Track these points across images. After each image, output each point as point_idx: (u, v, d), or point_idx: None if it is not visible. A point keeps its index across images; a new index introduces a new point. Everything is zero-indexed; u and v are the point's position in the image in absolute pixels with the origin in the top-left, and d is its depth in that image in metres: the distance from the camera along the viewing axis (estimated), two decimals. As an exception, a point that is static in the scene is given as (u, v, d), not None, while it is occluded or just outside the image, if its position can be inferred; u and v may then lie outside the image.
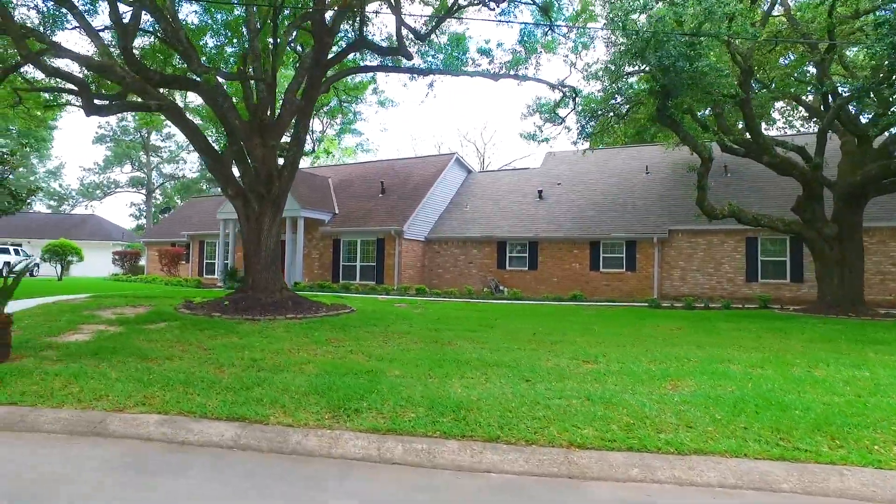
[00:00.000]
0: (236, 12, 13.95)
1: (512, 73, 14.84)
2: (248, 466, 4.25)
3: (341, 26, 12.02)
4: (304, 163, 28.00)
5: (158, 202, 51.47)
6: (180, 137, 76.52)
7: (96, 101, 11.45)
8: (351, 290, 19.47)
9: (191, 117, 14.02)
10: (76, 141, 76.18)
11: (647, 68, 11.55)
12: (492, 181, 24.79)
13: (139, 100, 12.96)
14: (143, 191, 50.03)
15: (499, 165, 38.50)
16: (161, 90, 12.45)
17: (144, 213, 49.91)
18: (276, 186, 12.29)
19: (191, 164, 50.47)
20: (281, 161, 13.11)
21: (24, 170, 39.91)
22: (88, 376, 6.19)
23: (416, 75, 14.47)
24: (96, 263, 28.01)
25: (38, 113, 19.98)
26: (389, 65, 13.76)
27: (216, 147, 15.18)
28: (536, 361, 7.49)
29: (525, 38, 15.08)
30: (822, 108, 14.71)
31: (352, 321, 11.15)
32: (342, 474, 4.16)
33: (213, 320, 10.56)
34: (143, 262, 29.52)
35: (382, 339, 9.17)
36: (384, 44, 14.03)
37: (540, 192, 22.45)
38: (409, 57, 11.57)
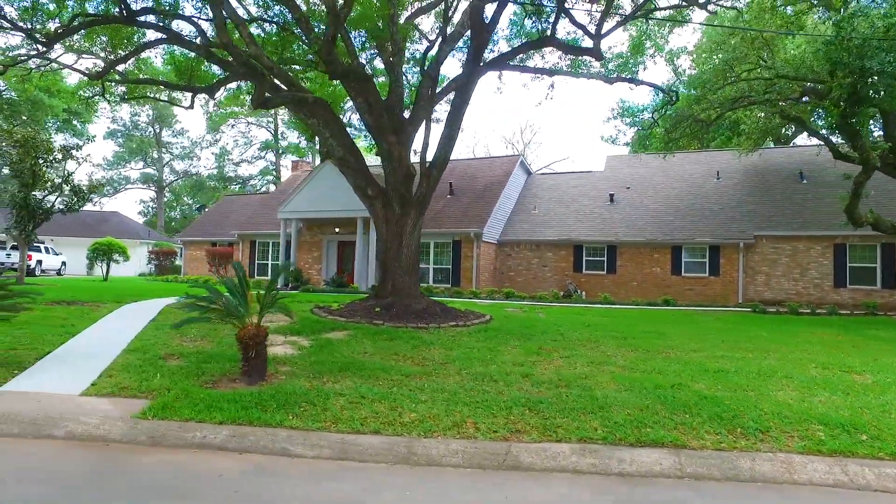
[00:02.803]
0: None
1: (626, 76, 14.65)
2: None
3: (499, 22, 11.63)
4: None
5: (167, 199, 49.67)
6: (193, 133, 73.95)
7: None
8: (434, 293, 18.98)
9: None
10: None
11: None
12: (555, 184, 24.60)
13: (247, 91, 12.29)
14: (154, 187, 48.16)
15: (538, 167, 38.26)
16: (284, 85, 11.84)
17: (155, 210, 48.06)
18: (423, 186, 11.83)
19: (205, 161, 48.89)
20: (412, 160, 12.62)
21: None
22: (397, 398, 5.67)
23: (538, 75, 14.16)
24: (126, 262, 26.62)
25: (75, 105, 18.94)
26: (518, 64, 13.43)
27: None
28: (796, 371, 7.30)
29: (635, 44, 14.95)
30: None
31: (513, 328, 10.76)
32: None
33: (382, 329, 10.03)
34: (177, 261, 28.32)
35: (586, 348, 8.86)
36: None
37: (612, 195, 22.36)
38: (600, 57, 11.26)
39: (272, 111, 41.94)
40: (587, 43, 12.90)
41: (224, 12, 10.71)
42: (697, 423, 5.06)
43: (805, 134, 30.66)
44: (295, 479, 4.13)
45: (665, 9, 11.35)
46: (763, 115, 19.44)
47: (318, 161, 39.02)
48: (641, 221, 20.78)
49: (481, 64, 11.46)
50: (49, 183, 17.15)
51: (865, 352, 9.23)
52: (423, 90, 12.73)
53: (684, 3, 10.86)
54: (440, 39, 12.05)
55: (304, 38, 12.52)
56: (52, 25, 12.69)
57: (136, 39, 14.21)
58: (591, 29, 10.72)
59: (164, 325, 9.97)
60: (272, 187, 45.86)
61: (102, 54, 14.21)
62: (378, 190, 12.02)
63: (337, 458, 4.50)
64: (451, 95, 14.47)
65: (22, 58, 13.33)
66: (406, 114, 12.99)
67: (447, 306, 12.33)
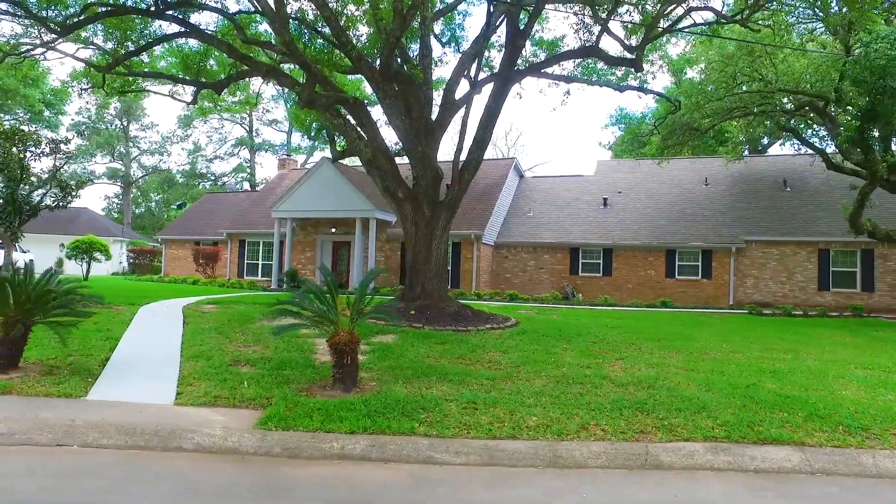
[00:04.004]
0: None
1: (636, 83, 15.13)
2: None
3: (533, 28, 11.81)
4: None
5: (133, 195, 47.47)
6: (163, 128, 70.78)
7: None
8: (439, 296, 19.01)
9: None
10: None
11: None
12: (548, 187, 25.05)
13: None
14: (121, 183, 45.92)
15: (523, 169, 38.81)
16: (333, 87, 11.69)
17: (120, 207, 45.81)
18: (454, 189, 11.90)
19: (175, 157, 47.09)
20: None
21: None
22: (508, 403, 5.69)
23: (555, 82, 14.44)
24: (108, 261, 25.30)
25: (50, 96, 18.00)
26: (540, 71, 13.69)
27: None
28: (842, 371, 7.77)
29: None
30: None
31: (544, 330, 10.95)
32: None
33: (425, 332, 10.04)
34: (156, 261, 27.18)
35: (629, 350, 9.17)
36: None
37: (605, 199, 22.98)
38: (640, 69, 11.59)
39: (248, 107, 40.90)
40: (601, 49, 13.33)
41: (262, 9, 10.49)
42: (800, 422, 5.37)
43: (778, 143, 32.46)
44: (462, 486, 4.17)
45: (702, 24, 11.87)
46: (743, 123, 20.48)
47: (301, 160, 38.28)
48: (636, 225, 21.47)
49: (515, 69, 11.64)
50: (35, 178, 16.23)
51: (884, 351, 9.87)
52: (448, 94, 12.79)
53: (723, 20, 11.42)
54: (474, 44, 12.17)
55: (333, 37, 12.35)
56: (56, 15, 12.04)
57: (145, 33, 13.69)
58: (624, 40, 11.10)
59: (202, 329, 9.71)
60: (246, 185, 44.72)
61: (108, 45, 13.59)
62: (408, 192, 12.00)
63: (486, 465, 4.56)
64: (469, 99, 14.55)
65: (27, 46, 12.57)
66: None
67: (475, 309, 12.44)
